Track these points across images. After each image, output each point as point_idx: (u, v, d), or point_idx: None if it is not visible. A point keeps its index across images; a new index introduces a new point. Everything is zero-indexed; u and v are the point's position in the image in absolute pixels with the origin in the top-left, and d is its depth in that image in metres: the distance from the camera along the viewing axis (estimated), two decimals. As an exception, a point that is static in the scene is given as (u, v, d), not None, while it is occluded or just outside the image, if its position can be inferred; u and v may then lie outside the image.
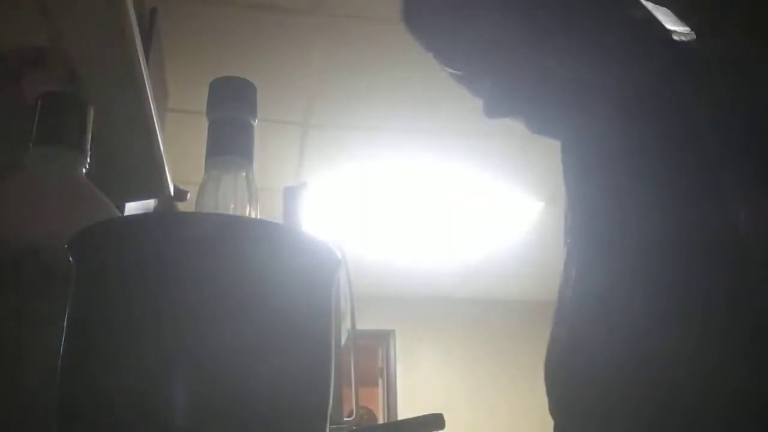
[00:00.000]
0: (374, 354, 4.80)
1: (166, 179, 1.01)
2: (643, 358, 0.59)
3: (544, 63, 0.71)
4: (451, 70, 0.75)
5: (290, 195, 1.04)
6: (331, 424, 0.38)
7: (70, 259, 0.37)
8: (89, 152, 0.54)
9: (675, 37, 0.61)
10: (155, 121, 0.89)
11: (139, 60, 0.79)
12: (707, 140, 0.58)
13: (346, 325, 1.07)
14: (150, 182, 0.99)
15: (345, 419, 0.99)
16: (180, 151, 2.06)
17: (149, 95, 0.85)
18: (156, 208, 1.25)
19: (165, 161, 0.98)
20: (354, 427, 0.99)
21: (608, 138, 0.67)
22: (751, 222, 0.54)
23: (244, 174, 0.44)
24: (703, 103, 0.59)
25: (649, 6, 0.62)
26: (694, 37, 0.60)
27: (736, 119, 0.57)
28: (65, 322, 0.37)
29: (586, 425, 0.66)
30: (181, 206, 1.30)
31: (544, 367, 0.71)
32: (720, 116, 0.58)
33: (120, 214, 0.63)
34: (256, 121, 0.45)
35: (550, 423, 0.71)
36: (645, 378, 0.59)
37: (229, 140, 0.43)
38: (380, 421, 4.71)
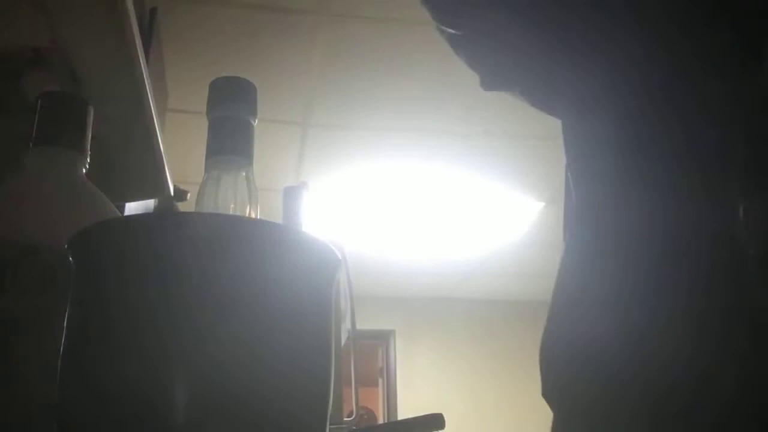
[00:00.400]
0: (374, 354, 4.80)
1: (166, 179, 1.01)
2: (642, 356, 0.59)
3: (545, 55, 0.71)
4: (448, 30, 0.74)
5: (290, 195, 1.03)
6: (331, 424, 0.38)
7: (70, 259, 0.37)
8: (89, 152, 0.54)
9: (675, 37, 0.61)
10: (155, 121, 0.89)
11: (139, 60, 0.79)
12: (707, 137, 0.58)
13: (346, 325, 1.07)
14: (150, 182, 0.99)
15: (345, 419, 0.99)
16: (180, 151, 2.06)
17: (149, 95, 0.85)
18: (156, 208, 1.25)
19: (165, 161, 0.98)
20: (354, 427, 0.99)
21: (607, 134, 0.67)
22: (747, 219, 0.54)
23: (244, 174, 0.44)
24: (704, 100, 0.59)
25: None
26: (694, 35, 0.60)
27: (736, 116, 0.57)
28: (65, 322, 0.37)
29: (581, 418, 0.66)
30: (181, 206, 1.30)
31: (539, 351, 0.71)
32: (720, 113, 0.58)
33: (120, 214, 0.63)
34: (256, 121, 0.45)
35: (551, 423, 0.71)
36: (644, 377, 0.59)
37: (229, 140, 0.43)
38: (380, 421, 4.71)
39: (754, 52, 0.57)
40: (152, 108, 0.87)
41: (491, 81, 0.78)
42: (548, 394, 0.71)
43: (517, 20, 0.70)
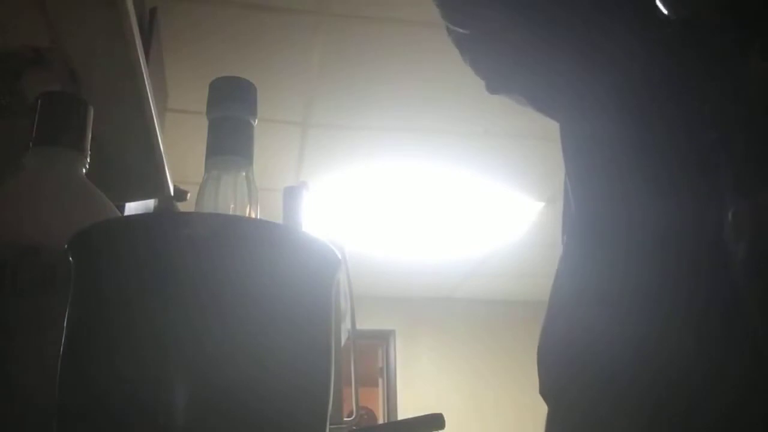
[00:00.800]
0: (374, 354, 4.80)
1: (166, 179, 1.01)
2: (643, 356, 0.59)
3: (545, 53, 0.71)
4: (457, 30, 0.75)
5: (290, 195, 1.03)
6: (331, 424, 0.38)
7: (70, 259, 0.37)
8: (89, 152, 0.54)
9: (674, 37, 0.61)
10: (155, 121, 0.89)
11: (139, 60, 0.79)
12: (707, 137, 0.58)
13: (346, 325, 1.07)
14: (150, 182, 0.98)
15: (345, 419, 0.99)
16: (180, 151, 2.06)
17: (149, 95, 0.85)
18: (156, 208, 1.25)
19: (165, 161, 0.98)
20: (354, 427, 0.99)
21: (608, 133, 0.67)
22: (735, 222, 0.54)
23: (244, 174, 0.44)
24: (704, 99, 0.59)
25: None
26: (694, 36, 0.60)
27: (738, 116, 0.57)
28: (65, 322, 0.37)
29: (580, 418, 0.65)
30: (181, 206, 1.30)
31: (537, 352, 0.71)
32: (721, 113, 0.58)
33: (120, 214, 0.63)
34: (256, 121, 0.45)
35: (550, 423, 0.71)
36: (644, 377, 0.59)
37: (229, 140, 0.43)
38: (380, 421, 4.72)
39: (756, 52, 0.57)
40: (152, 108, 0.87)
41: (496, 84, 0.78)
42: (546, 393, 0.71)
43: (518, 20, 0.70)
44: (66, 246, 0.37)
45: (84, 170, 0.54)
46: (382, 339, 4.73)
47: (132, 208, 1.03)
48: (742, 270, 0.53)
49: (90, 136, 0.54)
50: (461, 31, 0.75)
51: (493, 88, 0.78)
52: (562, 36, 0.68)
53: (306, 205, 1.03)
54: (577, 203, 0.71)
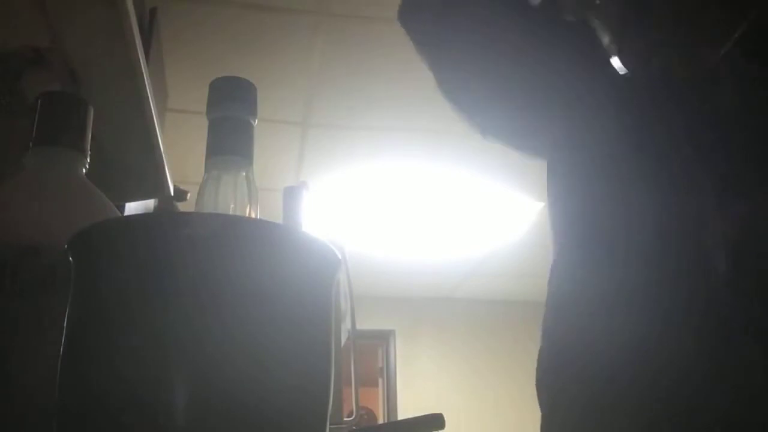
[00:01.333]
0: (374, 354, 4.80)
1: (166, 179, 1.01)
2: (643, 357, 0.59)
3: (537, 63, 0.71)
4: (438, 75, 0.76)
5: (290, 195, 1.03)
6: (331, 424, 0.38)
7: (70, 259, 0.37)
8: (89, 152, 0.54)
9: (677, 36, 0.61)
10: (155, 121, 0.89)
11: (139, 60, 0.79)
12: (708, 136, 0.58)
13: (346, 325, 1.07)
14: (150, 182, 0.99)
15: (345, 419, 0.99)
16: (180, 151, 2.06)
17: (149, 95, 0.85)
18: (156, 208, 1.25)
19: (165, 161, 0.98)
20: (354, 427, 0.99)
21: (606, 133, 0.66)
22: (715, 230, 0.54)
23: (244, 174, 0.44)
24: (701, 101, 0.59)
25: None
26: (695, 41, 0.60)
27: (733, 117, 0.57)
28: (65, 322, 0.37)
29: (578, 415, 0.65)
30: (181, 206, 1.30)
31: (536, 374, 0.71)
32: (723, 113, 0.58)
33: (120, 214, 0.63)
34: (256, 121, 0.45)
35: (550, 423, 0.71)
36: (644, 377, 0.58)
37: (229, 140, 0.43)
38: (380, 421, 4.72)
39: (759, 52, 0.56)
40: (152, 108, 0.87)
41: (484, 108, 0.78)
42: (543, 399, 0.71)
43: (518, 20, 0.70)
44: (66, 246, 0.37)
45: (84, 170, 0.54)
46: (382, 339, 4.73)
47: (132, 208, 1.03)
48: (725, 282, 0.53)
49: (90, 136, 0.54)
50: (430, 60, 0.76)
51: (483, 128, 0.79)
52: (562, 36, 0.68)
53: (306, 205, 1.03)
54: (576, 203, 0.71)
